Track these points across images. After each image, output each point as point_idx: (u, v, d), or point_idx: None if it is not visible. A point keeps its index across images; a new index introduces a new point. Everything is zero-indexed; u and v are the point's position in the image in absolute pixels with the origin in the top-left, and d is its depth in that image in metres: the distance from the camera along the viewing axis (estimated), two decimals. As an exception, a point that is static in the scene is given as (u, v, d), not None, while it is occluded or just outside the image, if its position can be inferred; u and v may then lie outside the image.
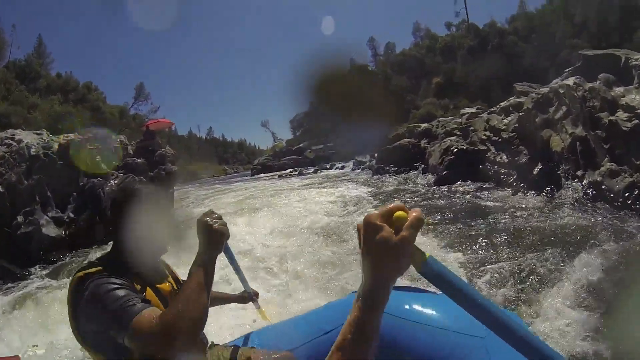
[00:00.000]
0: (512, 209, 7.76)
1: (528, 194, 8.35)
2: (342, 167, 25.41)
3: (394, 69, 42.14)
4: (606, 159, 7.21)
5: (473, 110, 14.49)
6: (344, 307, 1.59)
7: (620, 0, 32.13)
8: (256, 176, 32.01)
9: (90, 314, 1.25)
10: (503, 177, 9.51)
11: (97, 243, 7.71)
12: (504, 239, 5.97)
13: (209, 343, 1.67)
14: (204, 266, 1.26)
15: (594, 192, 7.16)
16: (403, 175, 16.37)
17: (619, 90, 7.96)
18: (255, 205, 11.36)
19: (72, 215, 8.40)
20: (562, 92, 8.60)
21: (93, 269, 1.33)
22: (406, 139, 19.45)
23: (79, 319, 1.30)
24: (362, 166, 22.92)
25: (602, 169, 7.11)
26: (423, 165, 15.49)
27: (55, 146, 9.31)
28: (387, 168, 18.09)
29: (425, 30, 48.62)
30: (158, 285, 1.46)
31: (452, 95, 35.86)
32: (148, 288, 1.40)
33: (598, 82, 8.29)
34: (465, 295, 0.65)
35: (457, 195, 9.54)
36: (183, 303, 1.17)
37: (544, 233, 6.15)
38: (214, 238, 1.31)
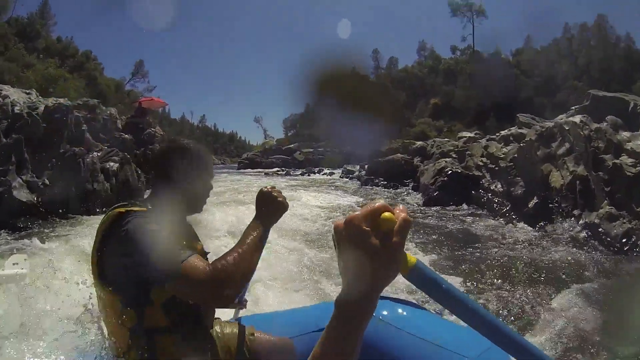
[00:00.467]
0: (503, 239, 7.59)
1: (521, 226, 8.18)
2: (331, 174, 25.15)
3: (394, 84, 42.20)
4: (605, 201, 7.06)
5: (471, 134, 14.35)
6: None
7: (625, 49, 32.83)
8: (242, 170, 31.82)
9: (128, 249, 1.20)
10: (496, 206, 9.33)
11: (72, 214, 7.30)
12: (493, 269, 5.74)
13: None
14: (260, 231, 1.32)
15: (589, 232, 7.00)
16: (392, 189, 16.19)
17: (625, 134, 7.85)
18: (240, 198, 11.02)
19: (47, 182, 7.95)
20: (567, 128, 8.47)
21: (136, 207, 1.30)
22: (400, 154, 19.32)
23: (108, 253, 1.27)
24: (350, 175, 22.68)
25: (600, 211, 6.95)
26: (413, 183, 15.33)
27: (42, 108, 8.87)
28: (377, 180, 17.89)
29: (430, 50, 48.84)
30: (193, 242, 1.47)
31: (448, 118, 36.05)
32: (186, 240, 1.37)
33: (605, 123, 8.19)
34: (456, 300, 0.62)
35: (448, 218, 9.34)
36: (237, 257, 1.21)
37: (535, 268, 5.95)
38: (276, 208, 1.39)
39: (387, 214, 0.57)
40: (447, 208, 10.48)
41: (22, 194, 7.39)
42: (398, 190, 15.91)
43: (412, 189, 15.04)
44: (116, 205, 1.35)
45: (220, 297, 1.19)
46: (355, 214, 0.57)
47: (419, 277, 0.61)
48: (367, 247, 0.56)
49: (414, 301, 2.70)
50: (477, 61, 39.08)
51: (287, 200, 1.44)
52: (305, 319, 1.78)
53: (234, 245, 1.27)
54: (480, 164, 11.09)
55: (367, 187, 17.14)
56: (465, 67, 39.08)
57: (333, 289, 4.54)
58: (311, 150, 35.05)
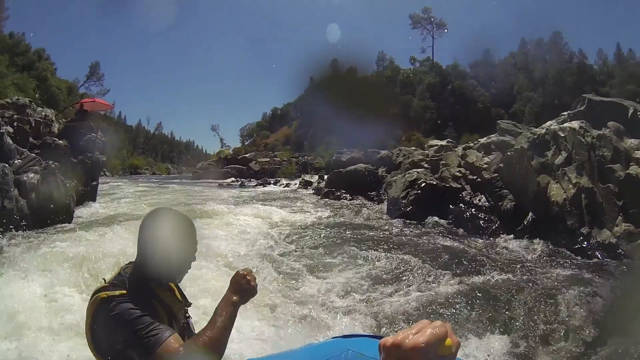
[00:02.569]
0: (500, 261, 6.45)
1: (516, 245, 7.04)
2: (287, 185, 23.81)
3: (352, 93, 41.44)
4: (620, 217, 6.02)
5: (443, 143, 13.27)
6: (328, 351, 1.52)
7: (578, 65, 33.55)
8: (196, 181, 30.53)
9: (114, 334, 1.32)
10: (483, 223, 8.20)
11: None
12: (500, 296, 4.85)
13: None
14: (232, 311, 1.41)
15: (604, 253, 5.95)
16: (357, 202, 14.90)
17: (632, 141, 6.92)
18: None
19: None
20: (562, 135, 7.46)
21: (117, 292, 1.38)
22: (362, 164, 18.07)
23: (99, 335, 1.38)
24: (309, 187, 21.32)
25: (616, 229, 5.94)
26: (381, 196, 14.12)
27: None
28: (338, 193, 16.55)
29: (388, 60, 48.59)
30: (174, 308, 1.52)
31: (405, 128, 35.54)
32: (166, 312, 1.46)
33: (607, 130, 7.22)
34: None
35: (430, 236, 8.09)
36: (208, 339, 1.30)
37: (546, 294, 4.93)
38: (248, 293, 1.47)
39: (448, 340, 0.57)
40: (425, 224, 9.24)
41: None
42: (363, 203, 14.63)
43: (378, 203, 13.80)
44: (98, 288, 1.43)
45: None
46: (417, 340, 0.55)
47: None
48: None
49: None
50: (436, 72, 38.99)
51: (257, 287, 1.49)
52: None
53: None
54: (458, 174, 9.97)
55: (327, 199, 15.69)
56: (423, 77, 38.83)
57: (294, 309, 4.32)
58: (267, 159, 33.85)
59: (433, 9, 46.89)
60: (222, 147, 59.06)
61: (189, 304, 1.65)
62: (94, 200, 12.18)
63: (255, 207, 11.90)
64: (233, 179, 29.08)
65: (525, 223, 7.20)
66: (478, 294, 4.90)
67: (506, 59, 36.87)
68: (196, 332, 1.43)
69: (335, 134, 32.30)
